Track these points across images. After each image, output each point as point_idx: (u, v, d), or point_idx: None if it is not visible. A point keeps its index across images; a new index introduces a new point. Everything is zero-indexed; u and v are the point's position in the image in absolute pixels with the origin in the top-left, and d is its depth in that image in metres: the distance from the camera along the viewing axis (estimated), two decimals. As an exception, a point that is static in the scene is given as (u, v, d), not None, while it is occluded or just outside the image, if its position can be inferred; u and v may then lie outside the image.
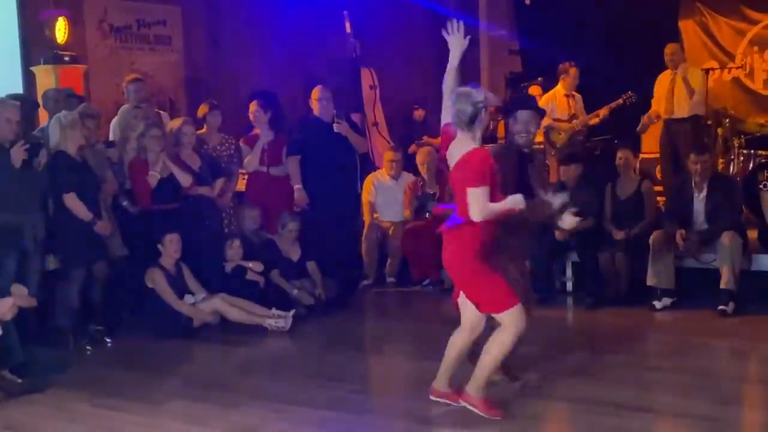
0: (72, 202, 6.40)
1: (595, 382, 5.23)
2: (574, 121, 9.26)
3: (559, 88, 9.39)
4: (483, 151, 4.55)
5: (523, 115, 5.11)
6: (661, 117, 9.07)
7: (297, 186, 7.74)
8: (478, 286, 4.56)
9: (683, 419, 4.56)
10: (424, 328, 6.73)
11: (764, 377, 5.64)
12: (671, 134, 9.00)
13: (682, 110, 8.92)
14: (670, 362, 5.94)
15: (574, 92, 9.37)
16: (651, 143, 9.87)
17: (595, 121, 9.35)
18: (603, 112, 9.30)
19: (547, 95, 9.57)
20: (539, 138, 9.72)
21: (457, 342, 4.82)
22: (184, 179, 7.13)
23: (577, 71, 9.28)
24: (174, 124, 7.56)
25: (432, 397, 4.87)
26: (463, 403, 4.71)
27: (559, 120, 9.27)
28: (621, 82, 9.41)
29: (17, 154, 6.10)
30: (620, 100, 9.27)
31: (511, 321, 4.49)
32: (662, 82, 9.12)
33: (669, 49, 9.08)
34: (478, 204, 4.40)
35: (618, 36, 10.46)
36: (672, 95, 8.93)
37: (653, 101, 9.19)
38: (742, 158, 8.96)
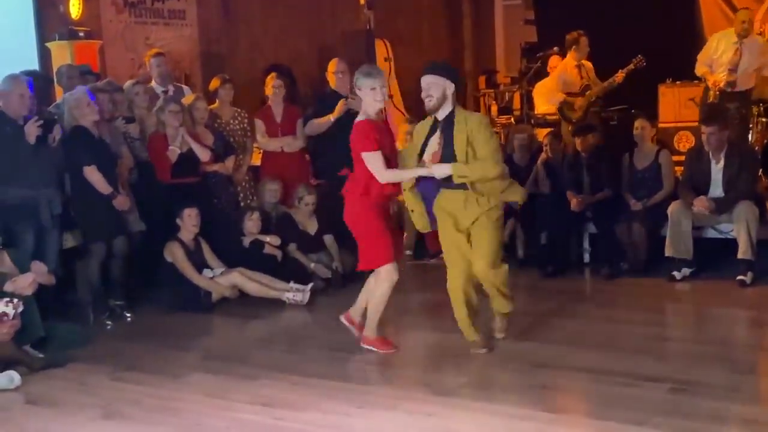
0: (92, 174, 6.42)
1: (613, 352, 5.23)
2: (588, 92, 9.11)
3: (569, 59, 9.20)
4: (365, 121, 5.14)
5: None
6: (718, 86, 8.42)
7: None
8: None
9: (702, 389, 4.55)
10: (440, 300, 6.72)
11: (783, 347, 5.63)
12: (724, 107, 8.27)
13: (745, 83, 8.42)
14: (688, 332, 5.95)
15: (584, 61, 9.22)
16: (669, 112, 9.79)
17: (610, 87, 9.14)
18: (618, 77, 9.08)
19: (557, 68, 9.42)
20: (554, 113, 9.64)
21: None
22: (203, 154, 7.15)
23: (587, 40, 9.09)
24: (186, 100, 7.57)
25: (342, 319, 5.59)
26: (366, 346, 5.42)
27: (572, 94, 9.13)
28: (638, 50, 9.29)
29: (31, 130, 6.12)
30: (631, 65, 9.01)
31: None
32: (723, 47, 8.47)
33: (744, 15, 8.51)
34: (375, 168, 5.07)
35: (634, 4, 10.34)
36: (737, 66, 8.35)
37: (702, 63, 8.57)
38: (760, 127, 8.87)
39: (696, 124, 8.37)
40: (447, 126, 5.04)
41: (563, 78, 9.15)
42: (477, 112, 5.24)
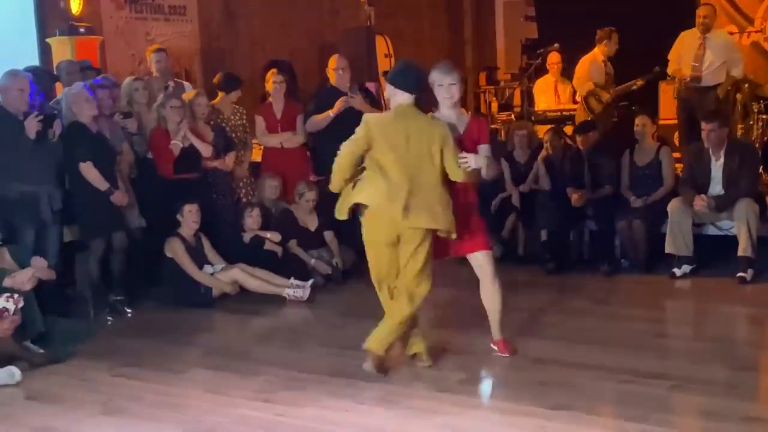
0: (89, 171, 6.42)
1: (613, 349, 5.24)
2: (612, 89, 9.12)
3: (598, 53, 9.20)
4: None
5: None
6: (685, 79, 8.56)
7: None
8: None
9: (702, 386, 4.56)
10: (441, 296, 6.73)
11: (783, 344, 5.64)
12: (693, 102, 8.51)
13: (712, 78, 8.44)
14: (688, 329, 5.95)
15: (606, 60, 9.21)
16: (669, 110, 9.78)
17: (629, 89, 9.15)
18: (639, 83, 9.13)
19: (587, 60, 9.34)
20: (554, 109, 9.66)
21: None
22: (205, 150, 7.15)
23: (618, 37, 9.10)
24: (187, 96, 7.57)
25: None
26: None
27: (598, 86, 9.15)
28: (638, 47, 9.28)
29: (31, 125, 6.12)
30: (650, 75, 9.13)
31: None
32: (688, 42, 8.56)
33: (703, 11, 8.54)
34: None
35: (635, 1, 10.32)
36: (701, 61, 8.42)
37: (673, 61, 8.71)
38: (761, 124, 8.87)
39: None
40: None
41: (594, 69, 9.16)
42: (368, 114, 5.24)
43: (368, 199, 4.87)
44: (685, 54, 8.63)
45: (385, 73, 5.17)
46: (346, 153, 4.94)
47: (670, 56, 8.80)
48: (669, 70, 8.89)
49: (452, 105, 5.08)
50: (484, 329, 5.31)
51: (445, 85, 5.04)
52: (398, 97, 4.97)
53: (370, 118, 5.02)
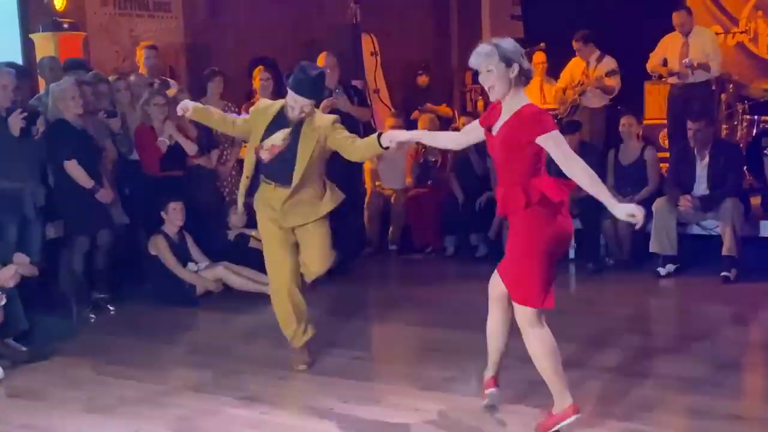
0: (73, 169, 6.39)
1: (597, 347, 5.24)
2: (568, 91, 9.14)
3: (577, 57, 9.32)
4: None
5: None
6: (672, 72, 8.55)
7: None
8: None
9: (686, 384, 4.57)
10: (426, 295, 6.73)
11: (766, 343, 5.66)
12: (683, 100, 8.44)
13: (700, 74, 8.41)
14: (672, 328, 5.96)
15: (606, 59, 9.14)
16: (655, 109, 9.81)
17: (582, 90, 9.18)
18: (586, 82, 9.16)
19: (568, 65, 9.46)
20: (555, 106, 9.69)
21: None
22: (190, 147, 7.12)
23: (579, 43, 9.03)
24: (170, 93, 7.54)
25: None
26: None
27: (568, 88, 9.19)
28: (624, 47, 9.30)
29: (15, 123, 6.08)
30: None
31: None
32: (671, 44, 8.58)
33: (678, 19, 8.50)
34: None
35: (620, 0, 10.34)
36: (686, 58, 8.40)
37: (651, 58, 8.72)
38: (745, 124, 8.91)
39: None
40: (295, 129, 4.94)
41: (570, 73, 9.21)
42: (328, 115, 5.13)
43: None
44: (670, 56, 8.61)
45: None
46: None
47: (651, 54, 8.77)
48: (648, 67, 8.83)
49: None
50: (469, 328, 5.31)
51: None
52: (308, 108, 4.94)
53: None
